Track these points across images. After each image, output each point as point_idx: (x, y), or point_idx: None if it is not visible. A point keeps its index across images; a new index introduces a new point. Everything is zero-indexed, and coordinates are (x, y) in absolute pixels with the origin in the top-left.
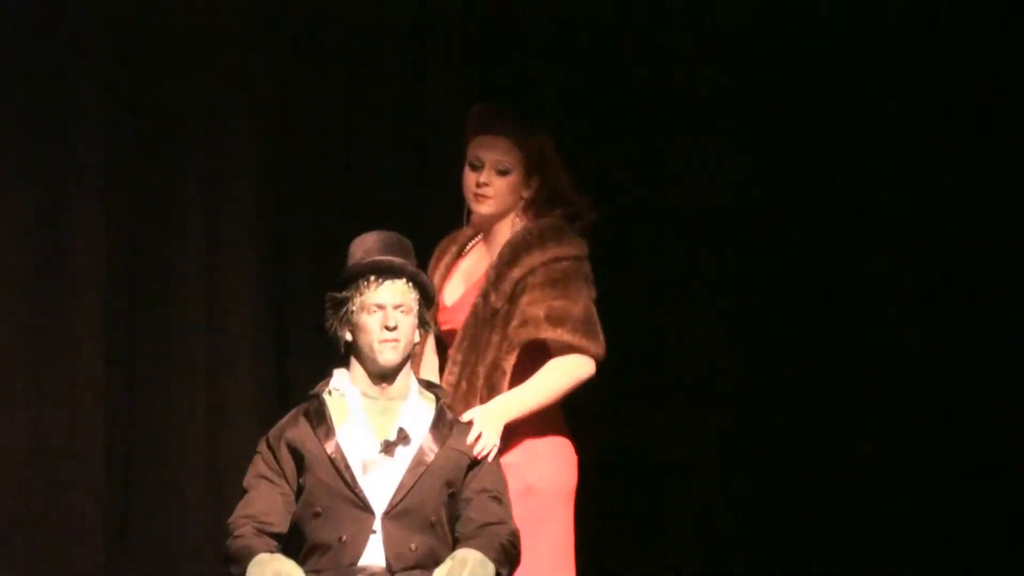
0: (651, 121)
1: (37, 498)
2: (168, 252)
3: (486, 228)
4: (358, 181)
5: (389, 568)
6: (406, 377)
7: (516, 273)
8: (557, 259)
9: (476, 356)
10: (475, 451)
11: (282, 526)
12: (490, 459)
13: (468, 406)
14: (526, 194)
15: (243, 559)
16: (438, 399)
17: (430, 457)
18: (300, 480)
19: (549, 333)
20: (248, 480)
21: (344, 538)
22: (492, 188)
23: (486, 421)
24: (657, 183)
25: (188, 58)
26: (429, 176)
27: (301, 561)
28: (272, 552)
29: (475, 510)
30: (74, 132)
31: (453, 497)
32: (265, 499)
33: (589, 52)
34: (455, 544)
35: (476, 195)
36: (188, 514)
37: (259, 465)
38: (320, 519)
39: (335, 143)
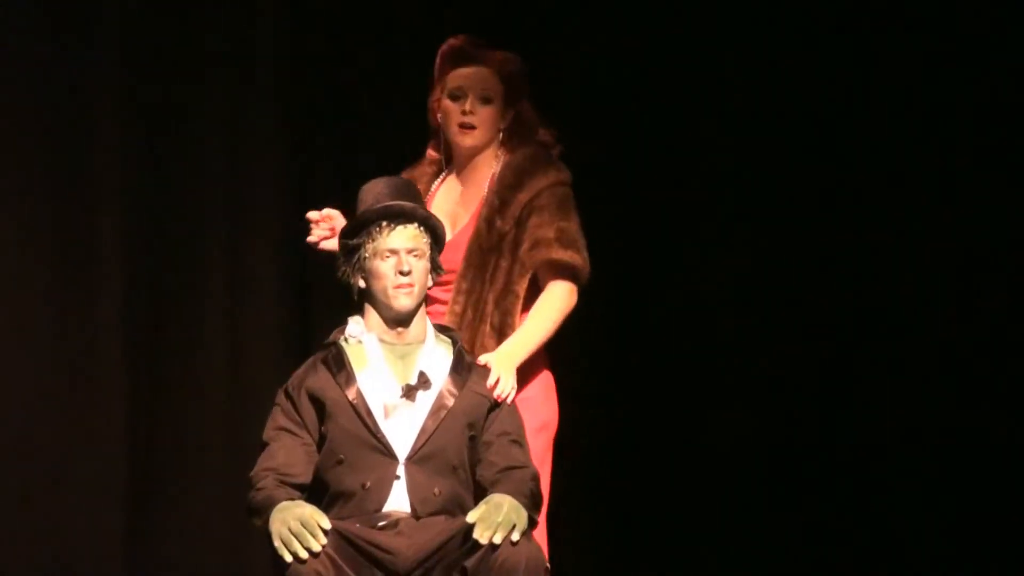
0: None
1: (60, 486)
2: (189, 232)
3: (463, 161)
4: (381, 153)
5: (414, 513)
6: (421, 321)
7: (523, 196)
8: (559, 183)
9: (482, 284)
10: (495, 394)
11: (305, 477)
12: (509, 401)
13: (476, 335)
14: (503, 125)
15: (265, 509)
16: (455, 343)
17: (451, 401)
18: (322, 428)
19: (561, 254)
20: (268, 432)
21: (368, 484)
22: (478, 117)
23: (502, 364)
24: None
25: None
26: None
27: (324, 509)
28: (294, 500)
29: (496, 454)
30: (92, 116)
31: (473, 440)
32: (286, 451)
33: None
34: (476, 488)
35: (462, 125)
36: (210, 498)
37: (278, 417)
38: (343, 466)
39: (358, 115)
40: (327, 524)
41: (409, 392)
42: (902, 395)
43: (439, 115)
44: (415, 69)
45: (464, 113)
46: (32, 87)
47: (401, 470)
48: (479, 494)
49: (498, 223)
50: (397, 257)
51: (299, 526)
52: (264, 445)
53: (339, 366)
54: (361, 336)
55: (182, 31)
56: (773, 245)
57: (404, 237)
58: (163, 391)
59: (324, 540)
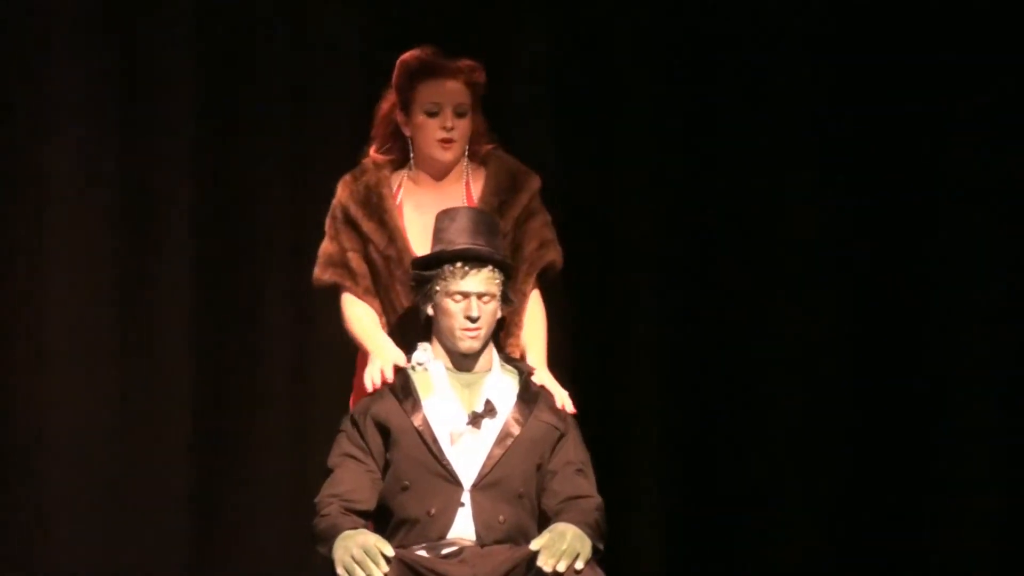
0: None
1: (126, 484)
2: (253, 244)
3: (436, 172)
4: None
5: (479, 540)
6: (488, 353)
7: (524, 198)
8: (540, 186)
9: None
10: (568, 408)
11: (369, 504)
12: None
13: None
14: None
15: (330, 537)
16: (522, 372)
17: (517, 429)
18: (387, 455)
19: (556, 256)
20: (333, 459)
21: (433, 511)
22: (456, 132)
23: (552, 383)
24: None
25: (272, 41)
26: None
27: (389, 536)
28: (358, 528)
29: (561, 483)
30: (160, 135)
31: (539, 469)
32: (351, 477)
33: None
34: (541, 517)
35: (442, 141)
36: (274, 503)
37: (344, 443)
38: (408, 493)
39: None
40: (390, 552)
41: (475, 419)
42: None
43: (407, 128)
44: None
45: (445, 129)
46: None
47: (466, 497)
48: (543, 523)
49: (500, 225)
50: (467, 301)
51: (362, 554)
52: (329, 471)
53: (405, 393)
54: (428, 363)
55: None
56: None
57: (477, 281)
58: (227, 403)
59: (386, 568)
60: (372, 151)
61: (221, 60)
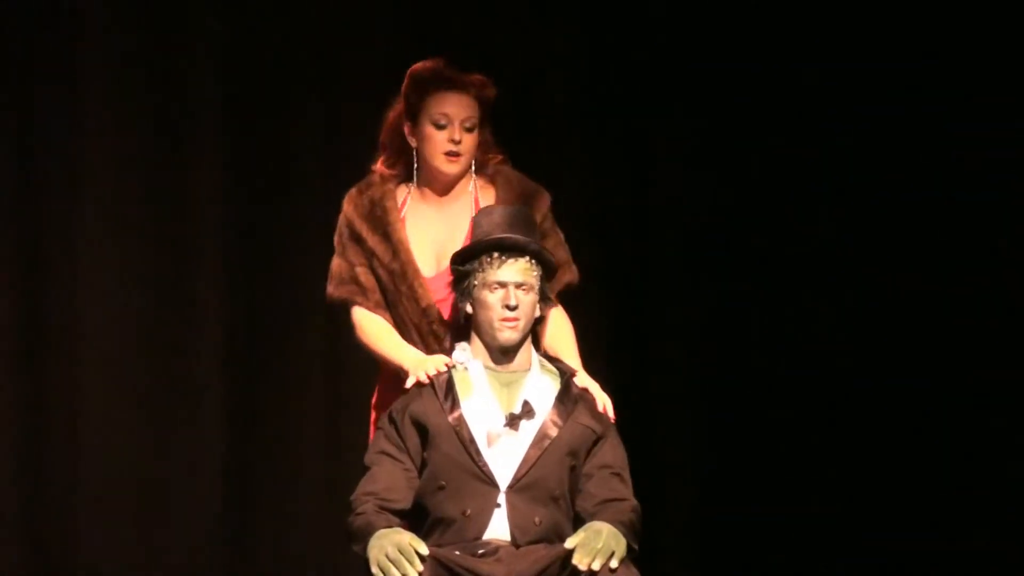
0: None
1: (159, 482)
2: (286, 242)
3: (441, 187)
4: None
5: (514, 541)
6: (527, 351)
7: (536, 217)
8: (551, 203)
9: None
10: (609, 413)
11: (405, 503)
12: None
13: None
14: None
15: (365, 536)
16: (563, 373)
17: (555, 431)
18: (424, 454)
19: (573, 276)
20: (370, 456)
21: (468, 512)
22: (463, 146)
23: (594, 386)
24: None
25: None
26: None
27: (424, 536)
28: (392, 527)
29: (597, 486)
30: (193, 152)
31: (575, 471)
32: (387, 476)
33: None
34: (576, 519)
35: (448, 154)
36: (307, 502)
37: (381, 441)
38: (444, 493)
39: None
40: (424, 550)
41: (512, 421)
42: None
43: (413, 139)
44: None
45: (453, 142)
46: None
47: (502, 498)
48: (579, 526)
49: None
50: (505, 290)
51: (396, 552)
52: (366, 469)
53: (444, 392)
54: (467, 363)
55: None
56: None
57: (514, 271)
58: (261, 407)
59: (421, 567)
60: (380, 163)
61: (250, 60)
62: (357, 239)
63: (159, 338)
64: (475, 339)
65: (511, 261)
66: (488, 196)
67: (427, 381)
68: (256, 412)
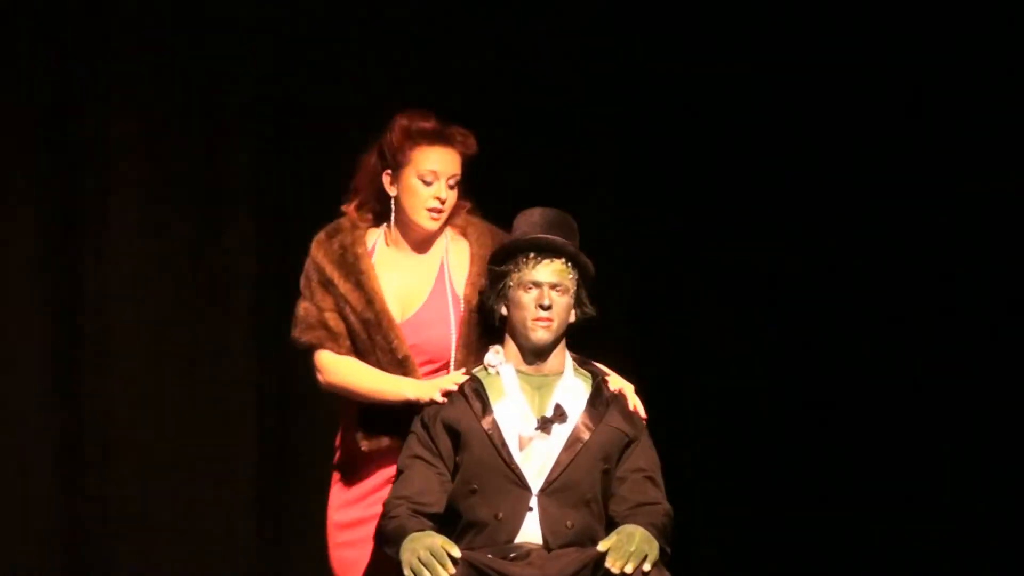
0: None
1: (193, 487)
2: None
3: (414, 237)
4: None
5: (546, 545)
6: (560, 354)
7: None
8: None
9: (476, 363)
10: (640, 412)
11: (438, 506)
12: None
13: None
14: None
15: (397, 539)
16: (595, 376)
17: (587, 435)
18: (456, 458)
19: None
20: (402, 460)
21: (500, 515)
22: (447, 203)
23: (626, 386)
24: None
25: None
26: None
27: (457, 539)
28: (425, 530)
29: (629, 489)
30: (225, 139)
31: (607, 474)
32: (420, 480)
33: None
34: (609, 522)
35: (432, 210)
36: None
37: (413, 445)
38: (476, 496)
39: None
40: (456, 553)
41: (544, 425)
42: None
43: (393, 188)
44: None
45: (438, 200)
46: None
47: (534, 502)
48: (611, 529)
49: (491, 301)
50: (540, 290)
51: (428, 555)
52: (399, 473)
53: (475, 397)
54: (499, 366)
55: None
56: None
57: (549, 271)
58: (294, 407)
59: (453, 569)
60: (352, 207)
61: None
62: (327, 284)
63: (193, 346)
64: (508, 342)
65: (547, 262)
66: (460, 247)
67: (446, 395)
68: (291, 417)
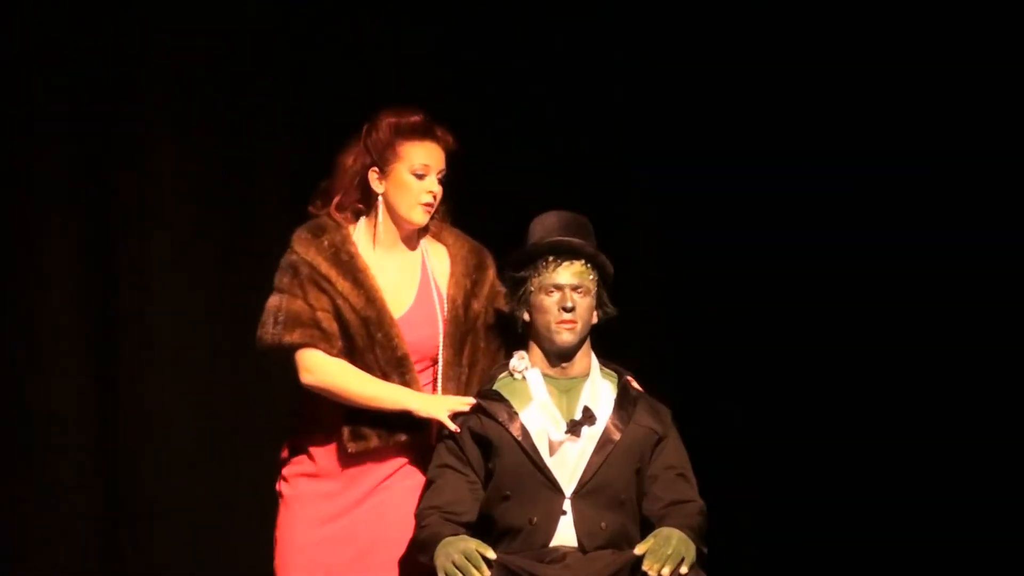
0: None
1: (231, 486)
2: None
3: (396, 236)
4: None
5: (581, 547)
6: (586, 356)
7: (490, 274)
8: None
9: (460, 367)
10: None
11: (470, 515)
12: None
13: None
14: None
15: (431, 546)
16: (620, 376)
17: (616, 435)
18: (488, 465)
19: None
20: (432, 470)
21: (535, 520)
22: (437, 198)
23: None
24: None
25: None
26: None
27: (492, 545)
28: (459, 535)
29: (662, 488)
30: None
31: (639, 473)
32: (451, 488)
33: None
34: (643, 522)
35: (425, 205)
36: None
37: (443, 454)
38: (509, 502)
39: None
40: (491, 555)
41: (573, 428)
42: None
43: (381, 185)
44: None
45: (431, 193)
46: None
47: (567, 505)
48: (645, 527)
49: (475, 305)
50: (562, 293)
51: (463, 559)
52: (429, 483)
53: (500, 404)
54: (525, 371)
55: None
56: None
57: (569, 273)
58: None
59: (488, 572)
60: (332, 208)
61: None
62: (322, 282)
63: (230, 340)
64: (533, 347)
65: (566, 264)
66: (438, 248)
67: (457, 429)
68: None
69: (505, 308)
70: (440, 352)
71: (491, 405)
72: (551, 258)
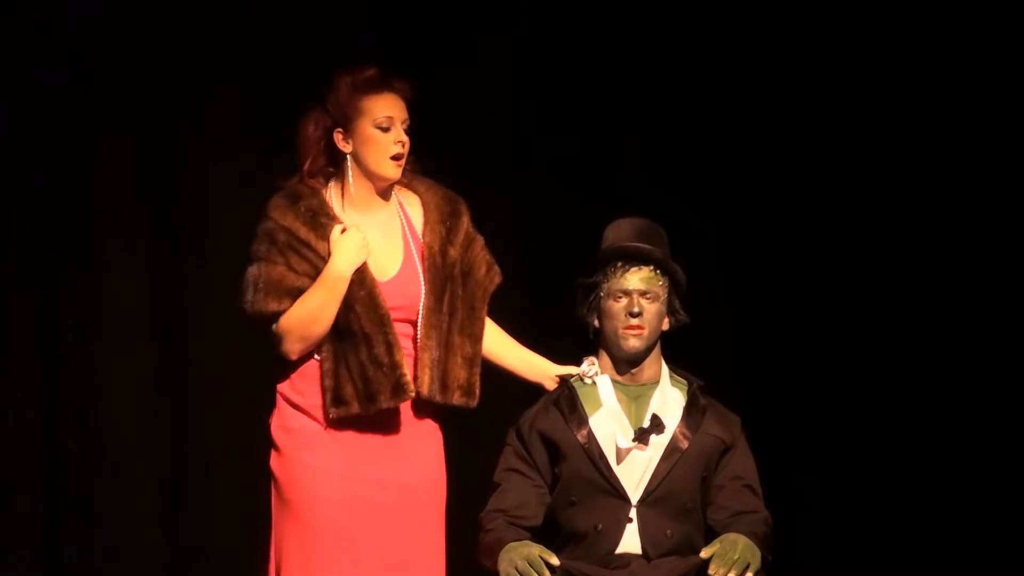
0: None
1: None
2: None
3: (371, 193)
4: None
5: (645, 555)
6: (656, 363)
7: (465, 221)
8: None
9: (440, 316)
10: None
11: (536, 519)
12: None
13: (447, 369)
14: None
15: (494, 551)
16: (690, 384)
17: (685, 444)
18: (555, 470)
19: (499, 277)
20: (499, 473)
21: (600, 527)
22: (406, 147)
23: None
24: None
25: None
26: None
27: (557, 550)
28: (523, 541)
29: (728, 498)
30: None
31: (704, 482)
32: (517, 492)
33: None
34: (708, 531)
35: (395, 157)
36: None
37: (510, 457)
38: (575, 508)
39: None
40: (555, 561)
41: (642, 436)
42: None
43: (348, 145)
44: None
45: (400, 144)
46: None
47: (633, 513)
48: (710, 536)
49: (451, 252)
50: (629, 298)
51: (526, 565)
52: (495, 486)
53: (571, 408)
54: (595, 376)
55: None
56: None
57: (638, 279)
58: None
59: None
60: (304, 175)
61: None
62: (301, 247)
63: None
64: (603, 353)
65: (635, 269)
66: (411, 199)
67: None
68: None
69: (481, 253)
70: (422, 300)
71: (562, 409)
72: (620, 263)
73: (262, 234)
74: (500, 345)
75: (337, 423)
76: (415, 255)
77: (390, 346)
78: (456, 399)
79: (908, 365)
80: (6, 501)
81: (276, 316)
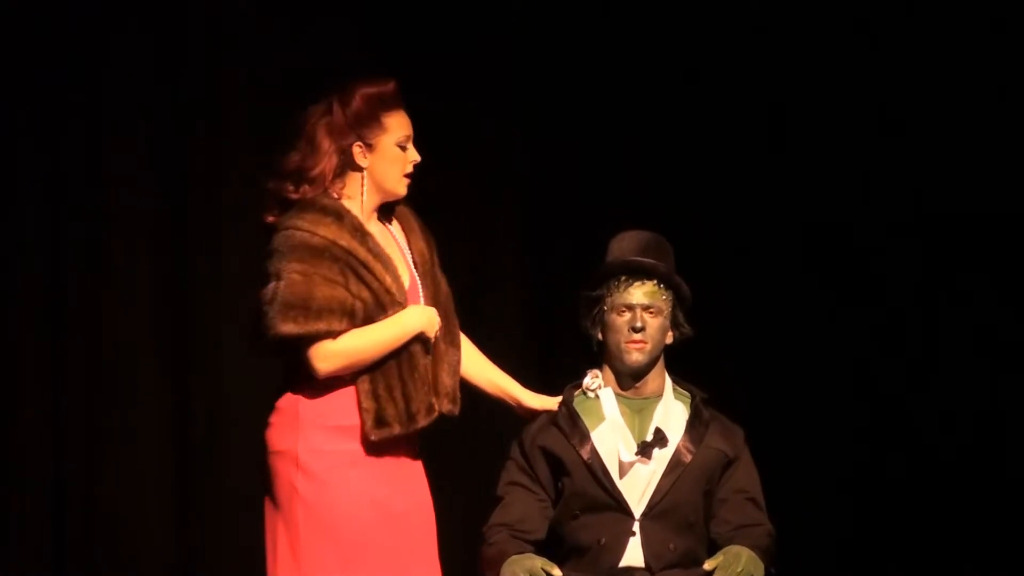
0: None
1: None
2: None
3: (376, 208)
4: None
5: (649, 568)
6: (659, 376)
7: (433, 241)
8: None
9: (448, 342)
10: None
11: (539, 533)
12: None
13: (436, 380)
14: None
15: (497, 563)
16: (693, 397)
17: (688, 457)
18: (558, 484)
19: None
20: (501, 487)
21: (603, 541)
22: (415, 165)
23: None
24: None
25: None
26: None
27: (561, 564)
28: (525, 553)
29: (731, 511)
30: None
31: (707, 495)
32: (520, 506)
33: None
34: (710, 544)
35: (408, 176)
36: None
37: (512, 472)
38: (578, 522)
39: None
40: (557, 573)
41: (645, 450)
42: None
43: (364, 159)
44: None
45: (413, 164)
46: None
47: (636, 526)
48: (712, 550)
49: (435, 259)
50: (632, 313)
51: None
52: (498, 500)
53: (571, 426)
54: (598, 390)
55: None
56: None
57: (641, 293)
58: None
59: None
60: (328, 187)
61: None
62: (360, 268)
63: None
64: (606, 367)
65: (638, 283)
66: (396, 222)
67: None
68: None
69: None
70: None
71: (562, 428)
72: (623, 278)
73: (313, 249)
74: (468, 356)
75: (376, 446)
76: (411, 266)
77: (398, 352)
78: (445, 407)
79: (912, 378)
80: (12, 501)
81: (317, 336)
